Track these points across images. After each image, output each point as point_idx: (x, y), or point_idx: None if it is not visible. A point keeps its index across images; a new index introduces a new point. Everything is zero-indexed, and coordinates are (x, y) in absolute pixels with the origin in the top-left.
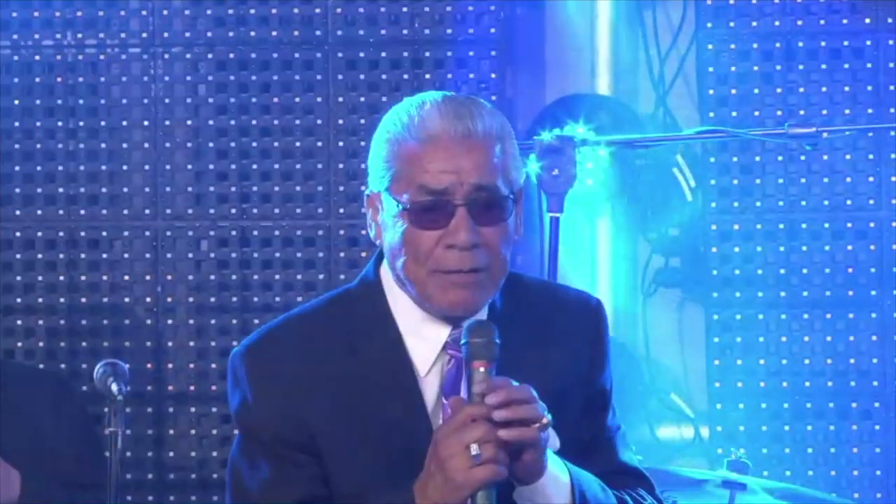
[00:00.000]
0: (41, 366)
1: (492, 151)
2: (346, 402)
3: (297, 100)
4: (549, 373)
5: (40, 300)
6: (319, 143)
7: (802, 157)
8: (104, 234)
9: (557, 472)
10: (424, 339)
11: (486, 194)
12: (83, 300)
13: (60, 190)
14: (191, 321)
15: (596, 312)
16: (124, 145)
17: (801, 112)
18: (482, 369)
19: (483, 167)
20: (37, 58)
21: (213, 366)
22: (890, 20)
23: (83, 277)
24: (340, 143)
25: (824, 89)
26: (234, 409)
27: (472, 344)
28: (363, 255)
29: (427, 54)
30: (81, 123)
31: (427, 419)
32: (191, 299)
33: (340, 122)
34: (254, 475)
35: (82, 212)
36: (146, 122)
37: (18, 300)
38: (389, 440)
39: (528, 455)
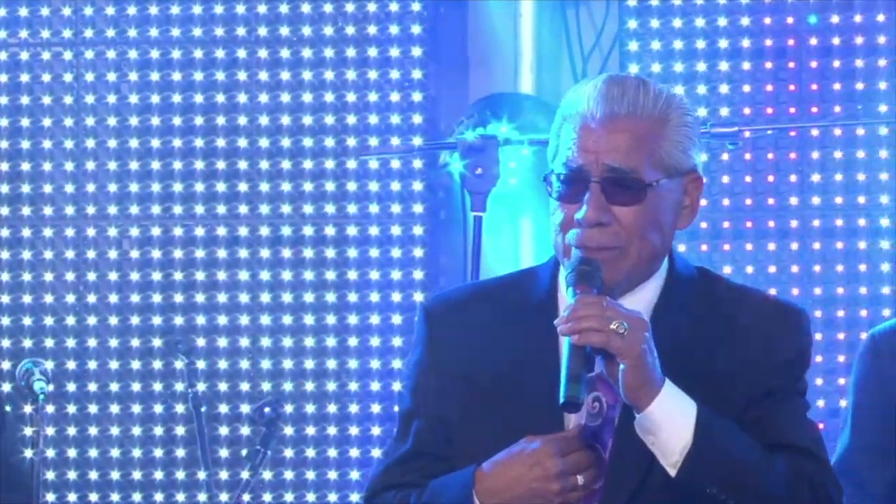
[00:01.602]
0: None
1: (638, 133)
2: (490, 367)
3: (220, 99)
4: (715, 361)
5: None
6: (243, 143)
7: (725, 157)
8: (26, 233)
9: (676, 402)
10: None
11: (622, 175)
12: (5, 299)
13: None
14: (113, 321)
15: (789, 317)
16: (46, 145)
17: (724, 111)
18: (579, 292)
19: (621, 148)
20: None
21: (136, 365)
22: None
23: (5, 277)
24: (264, 143)
25: (747, 88)
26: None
27: (577, 271)
28: (287, 254)
29: (351, 53)
30: (3, 122)
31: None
32: (113, 299)
33: (263, 121)
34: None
35: (4, 211)
36: (68, 122)
37: None
38: (519, 417)
39: (623, 367)
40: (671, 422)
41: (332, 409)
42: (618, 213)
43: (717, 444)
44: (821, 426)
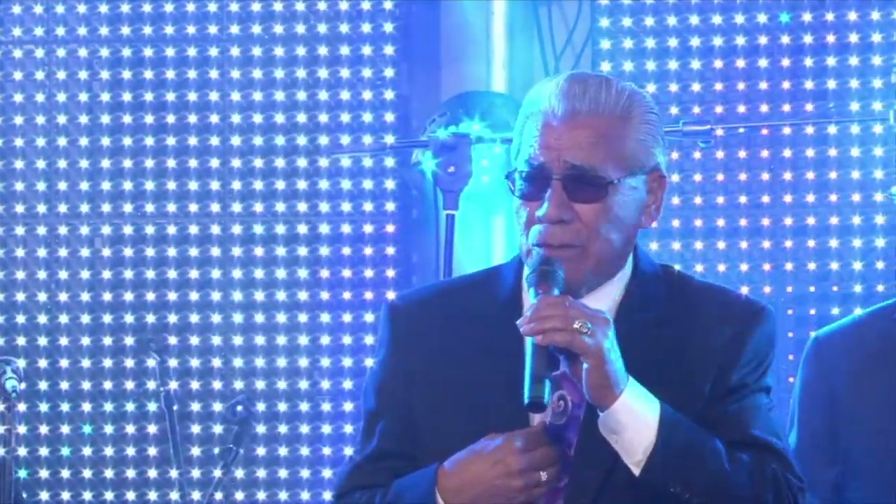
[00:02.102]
0: None
1: (599, 131)
2: (454, 367)
3: (192, 97)
4: (680, 358)
5: None
6: (215, 141)
7: (697, 155)
8: None
9: (639, 401)
10: None
11: (583, 172)
12: None
13: None
14: (85, 319)
15: (753, 314)
16: (18, 143)
17: (696, 109)
18: (541, 293)
19: (583, 145)
20: None
21: (108, 363)
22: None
23: None
24: (236, 141)
25: (719, 87)
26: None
27: (538, 271)
28: (259, 252)
29: (323, 51)
30: None
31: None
32: (85, 297)
33: (235, 119)
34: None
35: None
36: (40, 119)
37: None
38: (484, 416)
39: (586, 366)
40: (635, 421)
41: (304, 407)
42: (579, 211)
43: (680, 443)
44: None
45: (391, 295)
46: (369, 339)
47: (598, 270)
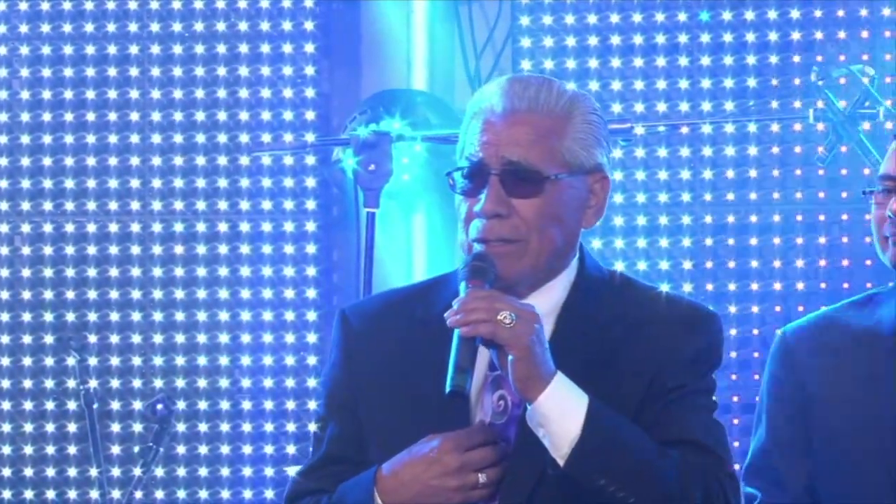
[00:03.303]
0: None
1: (538, 128)
2: (399, 373)
3: (113, 95)
4: (620, 359)
5: None
6: (135, 139)
7: (618, 154)
8: None
9: (566, 394)
10: None
11: (520, 168)
12: None
13: None
14: (4, 317)
15: (695, 318)
16: None
17: (617, 108)
18: (470, 287)
19: (521, 141)
20: None
21: (27, 362)
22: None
23: None
24: (156, 139)
25: (639, 85)
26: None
27: (470, 267)
28: (179, 250)
29: (243, 49)
30: None
31: (467, 404)
32: (4, 295)
33: (156, 117)
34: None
35: None
36: None
37: None
38: (426, 416)
39: (511, 358)
40: (561, 414)
41: (224, 405)
42: (517, 206)
43: (607, 436)
44: (735, 421)
45: (313, 293)
46: (290, 338)
47: (537, 267)
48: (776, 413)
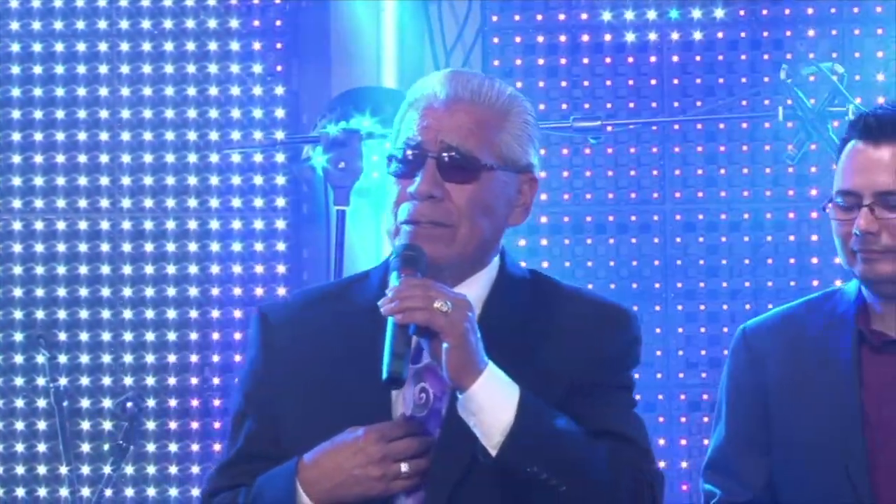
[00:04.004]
0: None
1: (478, 119)
2: (319, 368)
3: (82, 92)
4: (540, 357)
5: None
6: (104, 136)
7: (588, 151)
8: None
9: (498, 383)
10: None
11: (458, 153)
12: None
13: None
14: None
15: (613, 317)
16: None
17: (586, 105)
18: (403, 276)
19: (462, 129)
20: None
21: None
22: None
23: None
24: (126, 136)
25: (609, 83)
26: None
27: (402, 256)
28: (149, 248)
29: (213, 47)
30: None
31: (388, 398)
32: None
33: (125, 114)
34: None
35: None
36: None
37: None
38: (346, 410)
39: (446, 346)
40: (493, 403)
41: (194, 403)
42: (451, 191)
43: (538, 424)
44: (705, 419)
45: (283, 291)
46: None
47: (464, 255)
48: (735, 410)
